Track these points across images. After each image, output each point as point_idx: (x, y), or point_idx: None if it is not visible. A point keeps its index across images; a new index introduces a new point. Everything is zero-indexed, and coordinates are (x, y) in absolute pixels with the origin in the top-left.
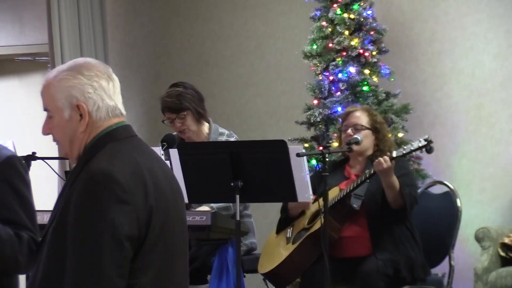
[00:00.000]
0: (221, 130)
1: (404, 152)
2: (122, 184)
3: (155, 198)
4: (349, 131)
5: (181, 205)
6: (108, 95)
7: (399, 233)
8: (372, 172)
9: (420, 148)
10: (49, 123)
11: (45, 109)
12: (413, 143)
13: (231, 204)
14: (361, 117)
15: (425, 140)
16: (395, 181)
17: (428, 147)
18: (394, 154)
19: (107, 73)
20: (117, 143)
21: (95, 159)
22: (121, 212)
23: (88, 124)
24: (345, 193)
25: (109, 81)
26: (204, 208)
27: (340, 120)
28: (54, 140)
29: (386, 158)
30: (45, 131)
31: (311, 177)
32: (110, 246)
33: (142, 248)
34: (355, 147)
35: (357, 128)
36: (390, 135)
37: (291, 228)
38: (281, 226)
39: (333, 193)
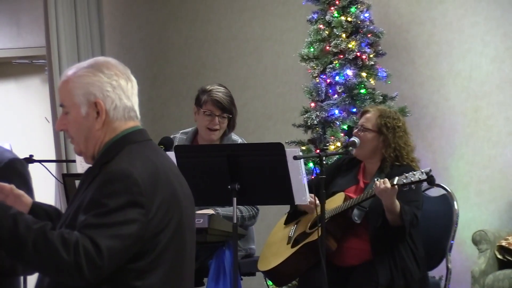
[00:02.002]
0: (234, 137)
1: (405, 181)
2: (140, 186)
3: (171, 203)
4: (356, 130)
5: (191, 211)
6: (126, 95)
7: (399, 248)
8: (372, 193)
9: (421, 181)
10: (63, 119)
11: (61, 105)
12: (415, 173)
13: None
14: (370, 118)
15: (426, 173)
16: (396, 206)
17: (429, 181)
18: (395, 181)
19: (126, 73)
20: (135, 145)
21: (115, 161)
22: (133, 213)
23: (104, 123)
24: (346, 207)
25: (128, 81)
26: (209, 211)
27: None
28: (69, 137)
29: (386, 180)
30: (59, 127)
31: (314, 179)
32: (115, 235)
33: (153, 251)
34: (355, 152)
35: (361, 129)
36: (402, 142)
37: (295, 226)
38: (290, 218)
39: (337, 201)
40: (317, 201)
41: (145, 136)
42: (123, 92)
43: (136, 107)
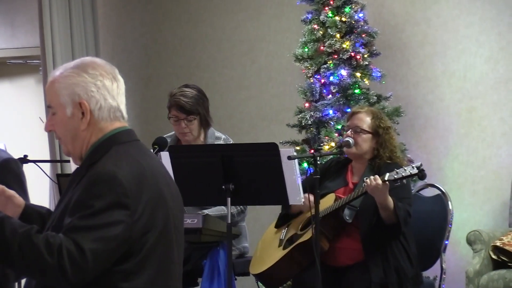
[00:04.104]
0: (218, 134)
1: (396, 177)
2: (125, 187)
3: (157, 204)
4: (349, 132)
5: (179, 212)
6: (112, 95)
7: (392, 246)
8: (364, 191)
9: (412, 175)
10: (51, 120)
11: (49, 106)
12: (405, 168)
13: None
14: (363, 120)
15: (417, 168)
16: (389, 202)
17: (420, 175)
18: (386, 177)
19: (113, 73)
20: (121, 146)
21: (101, 162)
22: (118, 214)
23: (90, 123)
24: (337, 206)
25: (114, 81)
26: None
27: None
28: (57, 137)
29: (377, 177)
30: (48, 128)
31: (307, 179)
32: (99, 238)
33: (139, 252)
34: (346, 150)
35: (356, 131)
36: (394, 142)
37: (286, 229)
38: (281, 221)
39: (328, 201)
40: (312, 198)
41: (132, 136)
42: (108, 93)
43: (123, 107)
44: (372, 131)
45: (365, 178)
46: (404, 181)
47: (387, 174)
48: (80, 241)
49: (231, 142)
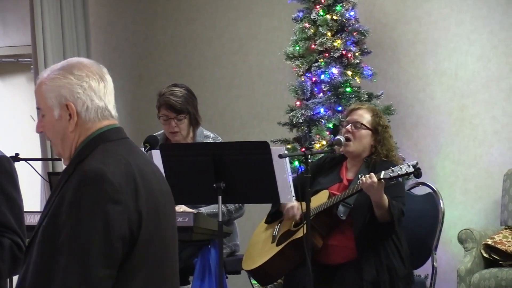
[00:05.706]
0: (206, 133)
1: (391, 175)
2: (114, 184)
3: (147, 202)
4: (348, 127)
5: (170, 209)
6: (98, 96)
7: (384, 245)
8: (359, 188)
9: (408, 174)
10: (41, 121)
11: (38, 108)
12: (401, 166)
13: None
14: (364, 116)
15: (413, 166)
16: (384, 200)
17: (416, 174)
18: (382, 175)
19: (99, 73)
20: (108, 144)
21: (88, 160)
22: (113, 211)
23: (77, 124)
24: (331, 204)
25: (100, 81)
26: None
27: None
28: (47, 138)
29: (372, 175)
30: (38, 129)
31: (298, 178)
32: (101, 246)
33: (132, 251)
34: (344, 149)
35: (356, 126)
36: (391, 141)
37: (279, 225)
38: (271, 218)
39: (322, 198)
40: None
41: (120, 134)
42: (95, 93)
43: (111, 107)
44: (372, 128)
45: (360, 176)
46: (400, 179)
47: (383, 172)
48: (87, 272)
49: (219, 141)
